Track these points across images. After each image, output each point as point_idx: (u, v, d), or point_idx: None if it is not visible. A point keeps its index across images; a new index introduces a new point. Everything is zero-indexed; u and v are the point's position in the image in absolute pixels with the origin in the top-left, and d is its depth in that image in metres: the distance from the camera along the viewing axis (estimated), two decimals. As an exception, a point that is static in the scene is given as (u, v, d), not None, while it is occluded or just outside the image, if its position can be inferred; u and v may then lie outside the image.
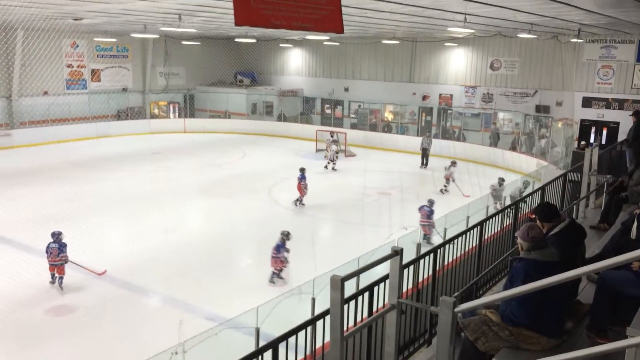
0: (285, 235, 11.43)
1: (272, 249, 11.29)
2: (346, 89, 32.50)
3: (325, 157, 25.23)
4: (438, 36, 26.73)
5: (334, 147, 23.43)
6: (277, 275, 11.29)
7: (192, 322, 9.47)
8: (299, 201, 17.03)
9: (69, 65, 29.40)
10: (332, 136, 25.89)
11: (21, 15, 19.20)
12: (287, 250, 11.38)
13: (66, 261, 11.01)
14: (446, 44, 28.10)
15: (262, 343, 5.42)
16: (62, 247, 11.04)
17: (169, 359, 5.17)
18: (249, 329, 7.63)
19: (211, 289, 11.12)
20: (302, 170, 17.10)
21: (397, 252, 3.94)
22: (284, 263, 11.29)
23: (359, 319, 4.72)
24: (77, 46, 29.51)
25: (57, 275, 10.94)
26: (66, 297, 10.50)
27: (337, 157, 23.65)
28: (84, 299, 10.46)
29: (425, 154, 24.03)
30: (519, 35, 21.86)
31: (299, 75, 35.04)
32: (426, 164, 23.95)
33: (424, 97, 29.71)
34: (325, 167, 22.94)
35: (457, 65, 28.60)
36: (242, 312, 9.47)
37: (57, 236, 11.17)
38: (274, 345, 3.59)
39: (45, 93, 28.21)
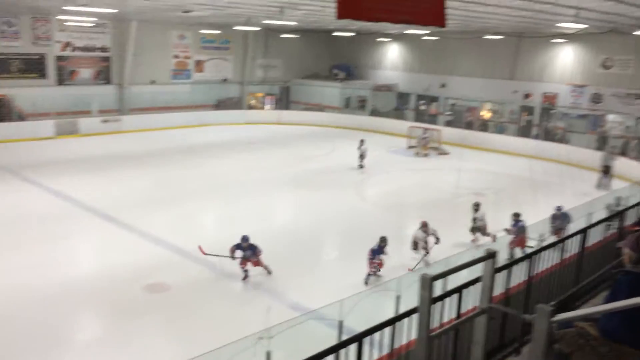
0: (383, 241, 11.36)
1: (368, 251, 11.26)
2: (443, 85, 31.73)
3: (416, 153, 24.84)
4: (545, 31, 25.37)
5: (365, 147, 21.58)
6: (372, 275, 11.26)
7: (277, 310, 9.67)
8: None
9: (176, 56, 30.95)
10: (424, 133, 25.44)
11: (137, 7, 20.46)
12: (385, 254, 11.35)
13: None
14: (553, 40, 26.63)
15: (344, 337, 5.41)
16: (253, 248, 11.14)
17: (255, 343, 5.28)
18: (332, 321, 7.66)
19: (296, 279, 11.29)
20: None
21: (491, 255, 3.79)
22: (381, 265, 11.28)
23: (445, 320, 4.59)
24: (184, 38, 30.99)
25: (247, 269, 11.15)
26: (161, 276, 11.06)
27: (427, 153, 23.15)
28: (178, 279, 10.97)
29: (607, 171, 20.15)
30: (635, 33, 20.28)
31: (394, 70, 34.68)
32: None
33: (526, 96, 28.38)
34: (361, 166, 21.44)
35: (565, 63, 27.05)
36: (326, 304, 9.54)
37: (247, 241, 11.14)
38: (359, 339, 3.56)
39: (153, 82, 29.90)
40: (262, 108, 34.65)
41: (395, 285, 8.29)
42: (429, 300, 3.24)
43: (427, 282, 3.22)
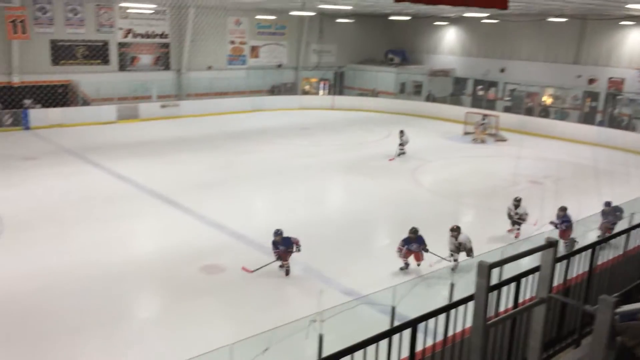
0: (413, 233, 10.74)
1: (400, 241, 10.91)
2: (502, 70, 30.82)
3: (473, 140, 24.30)
4: (613, 13, 24.17)
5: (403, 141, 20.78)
6: (404, 268, 10.95)
7: (329, 294, 9.72)
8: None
9: (232, 42, 31.36)
10: (482, 119, 24.83)
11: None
12: (418, 245, 10.76)
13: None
14: (622, 23, 25.32)
15: (396, 323, 5.39)
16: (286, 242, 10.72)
17: (308, 326, 5.33)
18: (384, 307, 7.63)
19: (348, 265, 11.31)
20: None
21: (552, 244, 3.66)
22: (410, 254, 10.79)
23: (499, 309, 4.49)
24: (240, 23, 31.34)
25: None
26: (217, 258, 11.32)
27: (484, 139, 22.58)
28: (233, 261, 11.19)
29: None
30: None
31: (451, 55, 33.93)
32: None
33: (591, 81, 27.19)
34: (400, 154, 20.68)
35: (634, 47, 25.71)
36: (379, 290, 9.52)
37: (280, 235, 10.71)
38: (413, 324, 3.54)
39: (210, 68, 30.43)
40: (316, 93, 34.68)
41: (449, 274, 8.18)
42: (487, 288, 3.17)
43: (485, 270, 3.14)
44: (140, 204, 14.79)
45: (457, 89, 32.79)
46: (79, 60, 26.36)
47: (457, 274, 10.39)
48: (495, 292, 4.44)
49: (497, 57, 31.19)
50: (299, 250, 10.71)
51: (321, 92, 34.82)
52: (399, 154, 20.59)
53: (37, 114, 24.05)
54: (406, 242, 10.79)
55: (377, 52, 35.87)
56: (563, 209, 11.84)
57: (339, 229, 13.38)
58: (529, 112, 28.40)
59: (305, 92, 34.30)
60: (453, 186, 17.27)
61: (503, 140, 24.70)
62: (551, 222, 11.88)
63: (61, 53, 25.83)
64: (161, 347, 8.29)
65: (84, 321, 8.85)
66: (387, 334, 3.64)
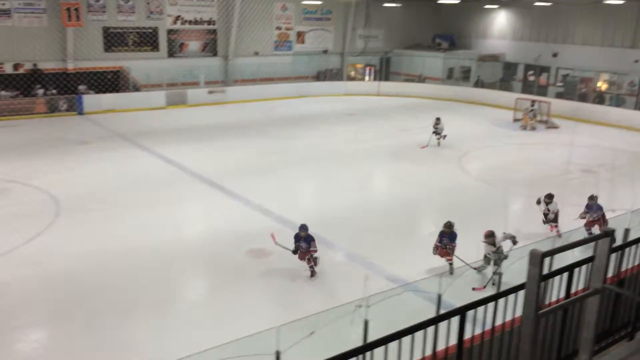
0: (448, 227, 10.14)
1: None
2: (554, 55, 29.82)
3: (523, 127, 23.67)
4: (675, -6, 23.02)
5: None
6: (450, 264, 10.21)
7: (374, 281, 9.72)
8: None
9: (278, 28, 31.43)
10: (532, 105, 24.13)
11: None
12: (449, 239, 10.17)
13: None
14: (685, 4, 24.09)
15: (441, 311, 5.34)
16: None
17: (353, 311, 5.35)
18: (430, 294, 7.59)
19: (393, 251, 11.26)
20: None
21: (608, 234, 3.54)
22: (445, 253, 10.13)
23: (550, 299, 4.39)
24: (287, 9, 31.36)
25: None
26: (263, 243, 11.45)
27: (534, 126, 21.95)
28: (277, 246, 11.32)
29: None
30: None
31: (501, 39, 33.03)
32: None
33: (649, 66, 26.02)
34: (438, 141, 19.76)
35: (696, 29, 24.44)
36: (425, 277, 9.47)
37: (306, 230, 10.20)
38: (461, 312, 3.49)
39: (256, 54, 30.63)
40: (362, 79, 34.44)
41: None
42: (539, 277, 3.10)
43: (538, 258, 3.07)
44: (189, 188, 15.10)
45: (507, 75, 31.93)
46: (129, 47, 26.99)
47: (504, 264, 10.20)
48: (543, 282, 4.34)
49: (549, 41, 30.18)
50: (314, 256, 10.03)
51: (367, 77, 34.55)
52: (437, 142, 19.87)
53: (90, 100, 24.79)
54: (440, 235, 10.23)
55: (424, 37, 35.28)
56: (592, 198, 11.43)
57: (384, 215, 13.32)
58: (583, 98, 27.39)
59: (351, 78, 34.11)
60: (502, 174, 16.91)
61: (555, 127, 23.95)
62: (581, 216, 11.45)
63: (113, 40, 26.51)
64: (208, 328, 8.49)
65: (134, 301, 9.15)
66: (435, 321, 3.61)
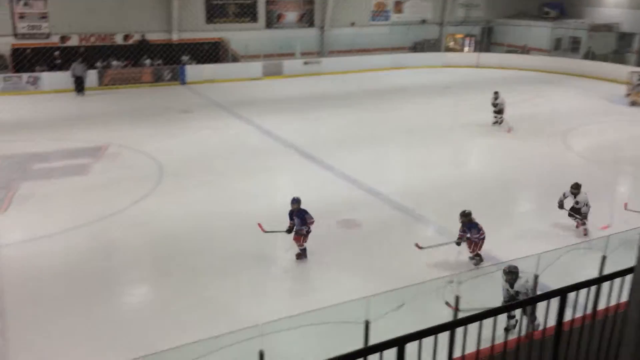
0: (464, 216, 9.36)
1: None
2: (678, 24, 27.14)
3: (631, 103, 21.85)
4: None
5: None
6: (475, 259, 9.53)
7: (466, 257, 9.51)
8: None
9: (376, -3, 30.95)
10: (639, 79, 22.18)
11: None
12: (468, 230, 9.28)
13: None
14: None
15: (538, 293, 5.11)
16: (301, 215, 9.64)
17: (444, 286, 5.26)
18: (526, 274, 7.29)
19: (487, 229, 10.87)
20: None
21: None
22: (476, 244, 9.36)
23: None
24: (384, -22, 30.75)
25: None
26: (353, 213, 11.52)
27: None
28: (369, 217, 11.33)
29: None
30: None
31: (617, 7, 30.44)
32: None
33: None
34: (495, 122, 18.08)
35: None
36: (520, 257, 9.10)
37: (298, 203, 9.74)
38: (562, 292, 3.32)
39: (352, 24, 30.36)
40: (461, 50, 33.23)
41: (602, 244, 7.54)
42: (652, 261, 2.86)
43: (652, 242, 2.84)
44: (283, 157, 15.42)
45: (621, 46, 29.49)
46: (230, 18, 27.69)
47: (609, 248, 9.58)
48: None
49: (674, 8, 27.47)
50: (307, 232, 9.50)
51: (466, 49, 33.28)
52: (494, 122, 17.98)
53: (193, 70, 25.82)
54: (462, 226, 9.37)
55: (530, 6, 33.30)
56: None
57: (478, 191, 12.91)
58: None
59: (449, 49, 33.00)
60: (610, 152, 15.80)
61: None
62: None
63: (214, 11, 27.31)
64: (299, 295, 8.71)
65: (229, 264, 9.55)
66: (533, 301, 3.47)
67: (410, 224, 11.33)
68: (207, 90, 24.26)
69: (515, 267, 7.31)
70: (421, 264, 9.32)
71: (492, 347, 3.57)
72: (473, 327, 3.34)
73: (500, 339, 3.60)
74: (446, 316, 4.70)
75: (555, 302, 3.40)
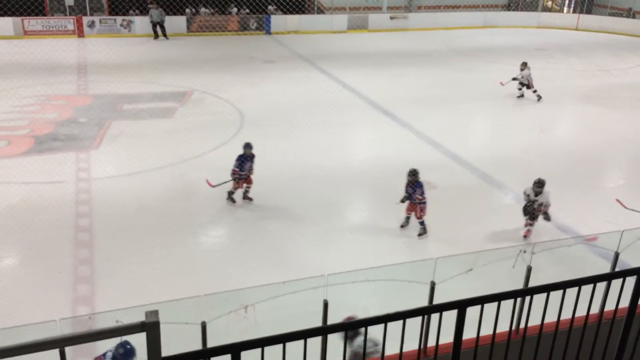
0: (411, 175, 8.94)
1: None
2: None
3: None
4: None
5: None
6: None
7: (543, 229, 9.19)
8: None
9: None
10: None
11: None
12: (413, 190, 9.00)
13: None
14: None
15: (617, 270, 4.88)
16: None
17: (517, 255, 5.11)
18: (605, 251, 6.96)
19: (570, 202, 10.42)
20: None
21: None
22: (421, 209, 9.00)
23: None
24: None
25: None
26: (430, 175, 11.27)
27: None
28: (444, 179, 11.13)
29: None
30: None
31: None
32: None
33: None
34: (521, 95, 16.74)
35: None
36: (600, 233, 8.70)
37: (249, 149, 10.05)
38: (639, 272, 3.15)
39: (444, -22, 29.16)
40: (560, 11, 31.21)
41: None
42: None
43: None
44: (361, 113, 15.31)
45: None
46: (318, -32, 27.35)
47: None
48: None
49: None
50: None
51: (565, 9, 31.20)
52: (518, 96, 16.74)
53: (277, 20, 25.87)
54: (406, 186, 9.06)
55: (642, -36, 30.58)
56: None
57: (563, 161, 12.32)
58: None
59: (547, 9, 31.07)
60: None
61: None
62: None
63: (303, -39, 27.04)
64: (366, 254, 8.74)
65: (301, 214, 9.74)
66: (608, 277, 3.32)
67: (487, 190, 11.04)
68: (291, 41, 24.29)
69: (544, 182, 8.77)
70: (495, 231, 9.12)
71: (558, 322, 3.47)
72: (539, 298, 3.25)
73: (567, 314, 3.48)
74: (514, 286, 4.60)
75: (631, 280, 3.24)
